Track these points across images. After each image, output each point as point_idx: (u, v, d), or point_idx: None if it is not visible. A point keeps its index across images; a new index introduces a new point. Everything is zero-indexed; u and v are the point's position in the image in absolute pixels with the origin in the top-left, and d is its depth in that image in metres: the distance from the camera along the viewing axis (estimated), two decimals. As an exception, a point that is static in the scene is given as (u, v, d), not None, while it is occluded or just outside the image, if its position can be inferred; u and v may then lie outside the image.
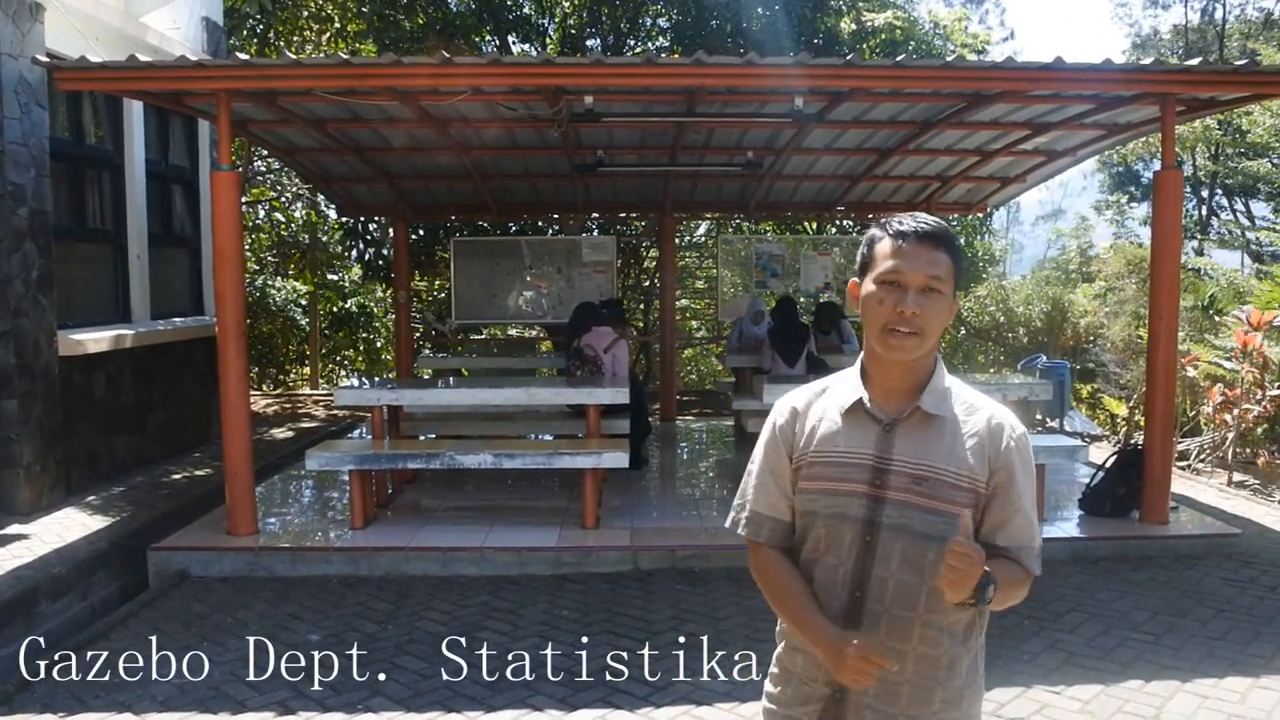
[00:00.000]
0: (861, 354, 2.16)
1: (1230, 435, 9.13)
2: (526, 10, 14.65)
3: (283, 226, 17.99)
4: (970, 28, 17.36)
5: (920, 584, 2.02)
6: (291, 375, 19.15)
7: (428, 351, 14.33)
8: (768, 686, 2.27)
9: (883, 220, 2.10)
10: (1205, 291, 12.67)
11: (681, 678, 4.80)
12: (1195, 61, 6.68)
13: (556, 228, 15.16)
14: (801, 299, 12.74)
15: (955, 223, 15.98)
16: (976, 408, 2.09)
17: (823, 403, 2.16)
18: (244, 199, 14.41)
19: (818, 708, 2.13)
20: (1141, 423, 7.77)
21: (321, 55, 13.60)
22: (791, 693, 2.18)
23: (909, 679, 2.05)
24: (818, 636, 2.04)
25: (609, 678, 4.81)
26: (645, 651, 5.13)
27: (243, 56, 6.90)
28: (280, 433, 11.75)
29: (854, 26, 13.51)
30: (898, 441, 2.05)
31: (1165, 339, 6.97)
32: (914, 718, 2.06)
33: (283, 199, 18.06)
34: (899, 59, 6.64)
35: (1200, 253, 19.20)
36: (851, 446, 2.08)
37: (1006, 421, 2.07)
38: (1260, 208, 22.24)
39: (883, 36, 13.48)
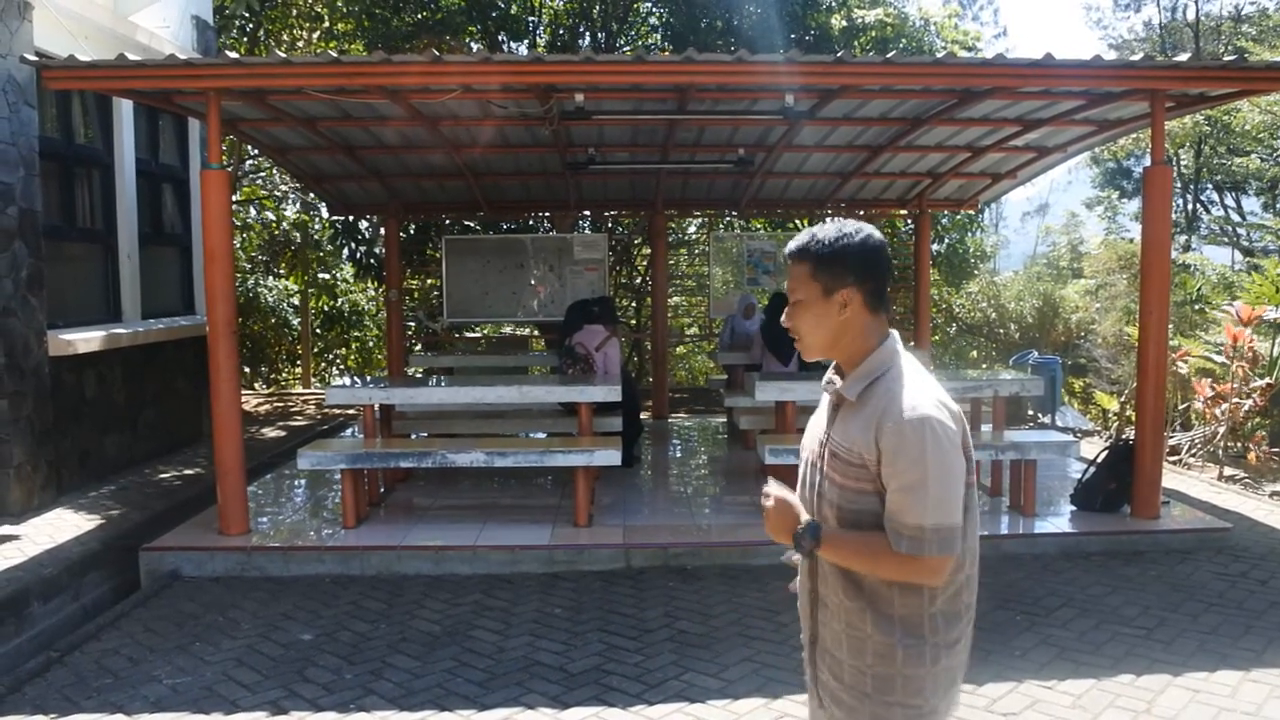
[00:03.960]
0: None
1: (1221, 430, 9.16)
2: (514, 10, 14.61)
3: (273, 225, 17.96)
4: (964, 24, 17.39)
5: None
6: (283, 374, 19.13)
7: (420, 350, 14.31)
8: None
9: None
10: (1193, 286, 12.72)
11: (674, 676, 4.81)
12: (1184, 57, 6.70)
13: (548, 225, 15.15)
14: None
15: (946, 220, 16.01)
16: (888, 393, 2.19)
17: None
18: (235, 198, 14.39)
19: (805, 653, 2.44)
20: (1133, 418, 7.79)
21: (312, 54, 13.57)
22: (804, 639, 2.45)
23: (844, 629, 2.27)
24: None
25: (601, 676, 4.82)
26: (638, 649, 5.13)
27: (232, 55, 6.87)
28: (272, 432, 11.73)
29: (844, 23, 13.51)
30: (837, 421, 2.31)
31: (1156, 334, 6.98)
32: (855, 667, 2.26)
33: (273, 197, 18.02)
34: (889, 56, 6.65)
35: (1188, 248, 19.25)
36: (817, 420, 2.42)
37: (900, 406, 2.14)
38: (1250, 203, 22.32)
39: (873, 33, 13.47)
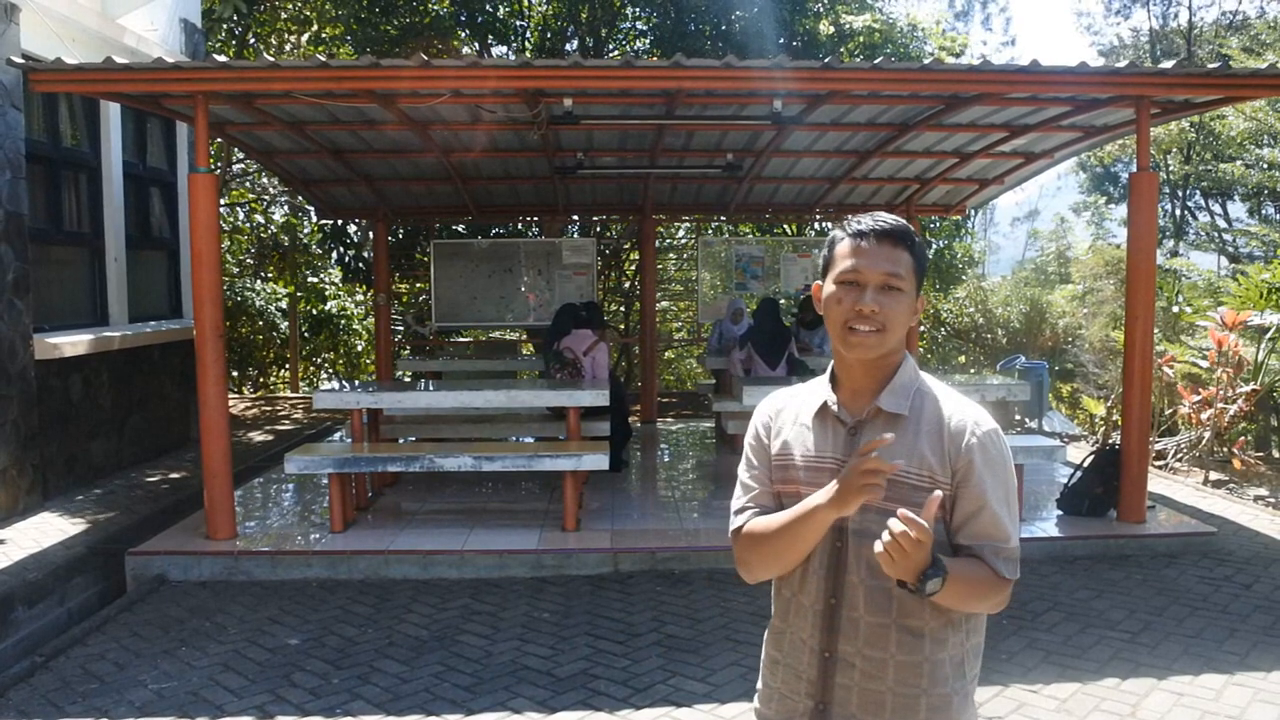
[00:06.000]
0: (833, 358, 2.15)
1: (1206, 435, 9.21)
2: (501, 13, 14.62)
3: (261, 229, 17.92)
4: (973, 33, 17.44)
5: (890, 589, 1.96)
6: (271, 378, 19.08)
7: (408, 354, 14.30)
8: (756, 703, 2.24)
9: (843, 221, 2.08)
10: (1173, 290, 12.80)
11: (661, 680, 4.81)
12: (1169, 64, 6.75)
13: (537, 230, 15.15)
14: (783, 300, 12.79)
15: (934, 225, 16.06)
16: (942, 404, 2.03)
17: (795, 406, 2.15)
18: (223, 201, 14.36)
19: None
20: (1119, 422, 7.83)
21: (300, 57, 13.56)
22: (776, 707, 2.14)
23: (890, 687, 1.99)
24: (820, 501, 1.92)
25: (589, 680, 4.82)
26: (625, 653, 5.13)
27: (220, 59, 6.86)
28: (259, 436, 11.69)
29: (832, 29, 13.55)
30: (862, 443, 1.98)
31: (1142, 339, 7.02)
32: None
33: (261, 200, 17.99)
34: (877, 61, 6.68)
35: (1175, 254, 19.35)
36: (819, 450, 2.06)
37: (970, 417, 2.00)
38: (1236, 209, 22.44)
39: (861, 39, 13.52)
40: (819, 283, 2.11)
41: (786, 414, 2.16)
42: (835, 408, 2.08)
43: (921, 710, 1.99)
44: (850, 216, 2.08)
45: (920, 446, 1.98)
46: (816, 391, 2.14)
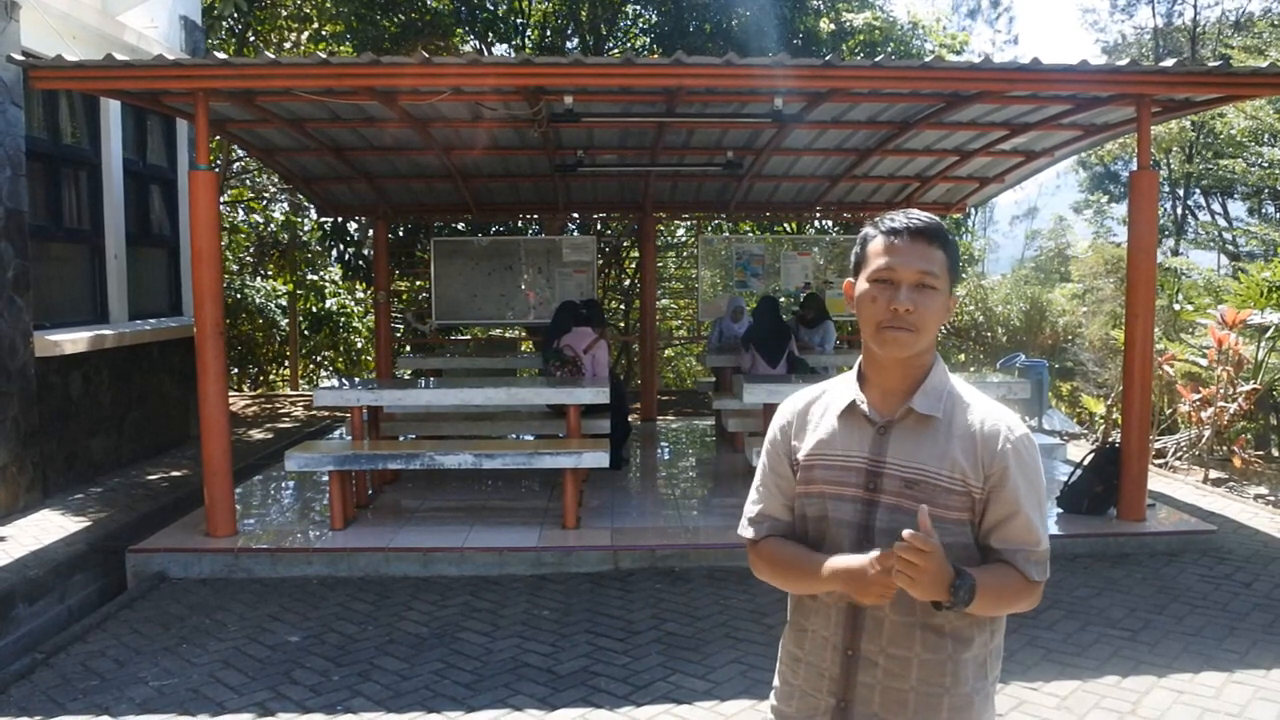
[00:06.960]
0: (860, 356, 2.14)
1: (1206, 433, 9.21)
2: (501, 10, 14.61)
3: (261, 227, 17.92)
4: (977, 30, 17.48)
5: None
6: (271, 376, 19.08)
7: (408, 352, 14.29)
8: (773, 700, 2.23)
9: (876, 218, 2.07)
10: (1173, 289, 12.80)
11: (661, 677, 4.81)
12: (1170, 63, 6.74)
13: (537, 228, 15.14)
14: (782, 299, 12.79)
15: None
16: (974, 408, 2.03)
17: (821, 405, 2.15)
18: (223, 199, 14.36)
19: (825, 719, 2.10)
20: (1119, 421, 7.83)
21: (300, 55, 13.54)
22: (797, 704, 2.15)
23: (914, 686, 2.00)
24: (833, 571, 1.95)
25: (589, 677, 4.82)
26: (625, 651, 5.14)
27: (220, 56, 6.86)
28: (259, 433, 11.70)
29: (833, 27, 13.56)
30: (891, 444, 2.02)
31: (1142, 338, 7.02)
32: None
33: (261, 199, 17.98)
34: (877, 59, 6.68)
35: (1176, 252, 19.36)
36: (847, 449, 2.06)
37: (1004, 422, 2.01)
38: (1236, 208, 22.44)
39: (861, 37, 13.53)
40: (850, 280, 2.10)
41: (811, 413, 2.16)
42: (864, 407, 2.07)
43: (944, 710, 2.00)
44: (884, 214, 2.08)
45: (952, 450, 1.99)
46: (843, 390, 2.13)
